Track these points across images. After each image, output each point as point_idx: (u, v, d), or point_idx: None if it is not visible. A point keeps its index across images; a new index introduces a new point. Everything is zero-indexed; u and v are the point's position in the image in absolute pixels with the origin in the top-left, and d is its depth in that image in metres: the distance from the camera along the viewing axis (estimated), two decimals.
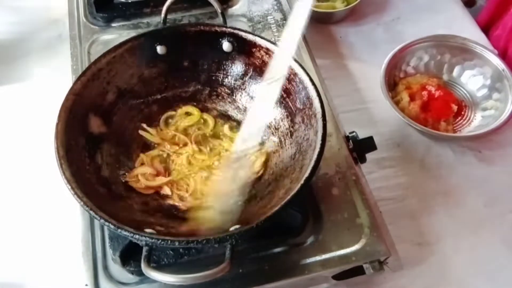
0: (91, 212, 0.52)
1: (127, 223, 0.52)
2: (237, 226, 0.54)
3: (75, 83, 0.62)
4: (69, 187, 0.53)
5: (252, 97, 0.71)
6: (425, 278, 0.68)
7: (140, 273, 0.59)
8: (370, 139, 0.69)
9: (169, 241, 0.51)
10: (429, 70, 0.89)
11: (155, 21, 0.86)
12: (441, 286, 0.68)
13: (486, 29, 0.99)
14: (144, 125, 0.69)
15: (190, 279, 0.49)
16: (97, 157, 0.63)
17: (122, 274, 0.60)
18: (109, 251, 0.61)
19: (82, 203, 0.52)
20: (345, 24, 0.99)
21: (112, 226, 0.51)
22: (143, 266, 0.50)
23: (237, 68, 0.71)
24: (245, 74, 0.71)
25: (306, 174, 0.54)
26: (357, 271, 0.61)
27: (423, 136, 0.82)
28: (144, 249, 0.52)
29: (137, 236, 0.50)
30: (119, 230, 0.51)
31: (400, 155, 0.81)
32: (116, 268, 0.61)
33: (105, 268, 0.61)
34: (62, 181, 0.54)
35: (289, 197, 0.53)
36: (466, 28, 0.98)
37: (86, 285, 0.59)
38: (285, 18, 0.87)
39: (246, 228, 0.51)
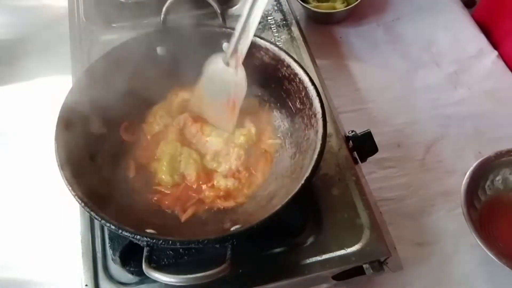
0: (91, 213, 0.52)
1: (127, 224, 0.52)
2: (237, 226, 0.54)
3: (75, 84, 0.62)
4: (70, 188, 0.53)
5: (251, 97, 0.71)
6: (425, 278, 0.68)
7: (140, 273, 0.59)
8: (368, 134, 0.69)
9: (170, 241, 0.51)
10: None
11: (155, 21, 0.85)
12: (441, 286, 0.68)
13: (481, 22, 0.99)
14: None
15: (191, 280, 0.49)
16: (97, 157, 0.63)
17: (122, 274, 0.60)
18: (109, 252, 0.61)
19: (83, 204, 0.52)
20: (345, 25, 0.99)
21: (113, 227, 0.51)
22: (144, 266, 0.50)
23: None
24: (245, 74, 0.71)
25: (307, 174, 0.54)
26: (357, 271, 0.61)
27: None
28: (145, 249, 0.52)
29: (138, 237, 0.50)
30: (120, 230, 0.51)
31: (400, 155, 0.81)
32: (116, 268, 0.61)
33: (105, 268, 0.61)
34: (62, 181, 0.54)
35: (289, 197, 0.53)
36: (466, 29, 0.98)
37: (86, 285, 0.59)
38: (285, 19, 0.87)
39: (246, 228, 0.51)
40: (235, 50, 0.66)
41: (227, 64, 0.67)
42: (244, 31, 0.64)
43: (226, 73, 0.67)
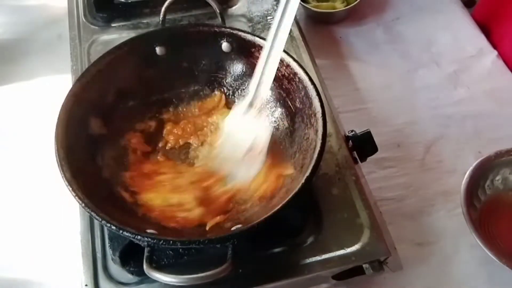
0: (92, 213, 0.52)
1: (128, 224, 0.52)
2: (238, 226, 0.54)
3: (74, 85, 0.62)
4: (70, 188, 0.53)
5: None
6: (425, 278, 0.68)
7: (140, 273, 0.59)
8: (368, 134, 0.69)
9: (171, 242, 0.51)
10: None
11: (155, 21, 0.86)
12: (441, 286, 0.68)
13: (481, 23, 0.99)
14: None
15: (193, 280, 0.49)
16: (97, 158, 0.63)
17: (122, 274, 0.60)
18: (109, 251, 0.60)
19: (83, 204, 0.52)
20: (345, 24, 0.99)
21: (114, 228, 0.51)
22: (145, 267, 0.50)
23: (236, 68, 0.71)
24: (244, 74, 0.71)
25: (307, 174, 0.54)
26: (357, 271, 0.61)
27: None
28: (146, 250, 0.52)
29: (139, 237, 0.50)
30: (121, 231, 0.51)
31: (400, 155, 0.81)
32: (116, 268, 0.60)
33: (105, 268, 0.61)
34: (62, 182, 0.54)
35: (290, 196, 0.53)
36: (466, 28, 0.98)
37: (86, 285, 0.59)
38: None
39: (247, 227, 0.51)
40: (257, 93, 0.63)
41: (248, 109, 0.64)
42: (264, 74, 0.61)
43: (246, 121, 0.64)
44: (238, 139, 0.65)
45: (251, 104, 0.64)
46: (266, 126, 0.65)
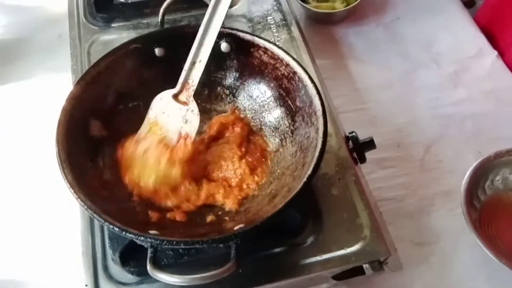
0: (95, 215, 0.52)
1: (130, 225, 0.52)
2: (241, 225, 0.54)
3: (74, 87, 0.62)
4: (72, 191, 0.53)
5: (251, 97, 0.71)
6: (425, 278, 0.68)
7: (140, 273, 0.59)
8: (370, 142, 0.68)
9: (175, 242, 0.51)
10: None
11: (155, 21, 0.86)
12: (441, 286, 0.68)
13: (484, 27, 0.99)
14: None
15: (197, 280, 0.49)
16: (99, 160, 0.63)
17: (122, 274, 0.60)
18: (109, 251, 0.61)
19: (86, 206, 0.52)
20: (345, 25, 0.99)
21: (117, 229, 0.51)
22: (149, 267, 0.50)
23: (236, 68, 0.71)
24: (244, 74, 0.71)
25: (309, 172, 0.54)
26: (357, 271, 0.61)
27: None
28: (149, 250, 0.51)
29: (142, 238, 0.50)
30: (123, 232, 0.51)
31: (400, 155, 0.81)
32: (116, 268, 0.61)
33: (105, 268, 0.61)
34: (62, 182, 0.54)
35: (292, 194, 0.53)
36: (466, 29, 0.98)
37: (86, 285, 0.59)
38: (285, 19, 0.87)
39: (250, 226, 0.51)
40: (186, 81, 0.65)
41: (177, 97, 0.66)
42: (196, 59, 0.64)
43: (174, 109, 0.65)
44: (168, 124, 0.65)
45: (182, 90, 0.65)
46: (194, 117, 0.65)
